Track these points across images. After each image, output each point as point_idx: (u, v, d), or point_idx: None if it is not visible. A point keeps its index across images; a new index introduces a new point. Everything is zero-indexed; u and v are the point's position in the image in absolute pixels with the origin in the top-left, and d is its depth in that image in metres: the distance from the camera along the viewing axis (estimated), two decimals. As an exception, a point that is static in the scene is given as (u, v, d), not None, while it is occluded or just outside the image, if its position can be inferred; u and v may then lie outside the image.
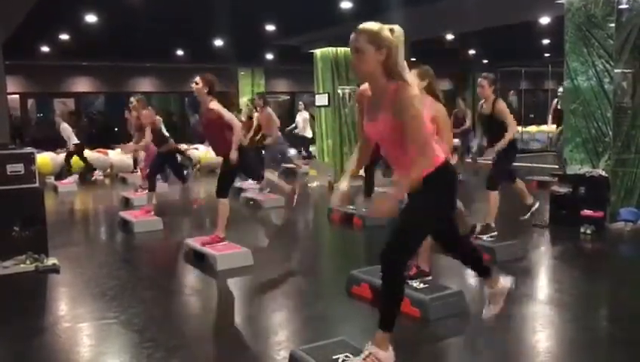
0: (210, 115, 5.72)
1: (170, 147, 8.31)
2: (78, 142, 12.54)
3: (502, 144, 5.83)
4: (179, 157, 8.96)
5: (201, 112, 5.99)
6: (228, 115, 5.71)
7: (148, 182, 8.23)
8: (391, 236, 2.92)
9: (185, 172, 9.25)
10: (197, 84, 5.71)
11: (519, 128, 17.89)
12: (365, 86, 3.02)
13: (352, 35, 2.83)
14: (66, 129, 12.38)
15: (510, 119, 5.87)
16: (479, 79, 6.03)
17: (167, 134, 8.42)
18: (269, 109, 9.77)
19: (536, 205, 6.65)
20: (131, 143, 9.49)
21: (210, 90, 5.72)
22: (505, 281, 3.45)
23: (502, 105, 5.91)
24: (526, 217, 6.61)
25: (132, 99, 8.47)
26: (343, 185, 3.10)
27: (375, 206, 2.93)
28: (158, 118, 8.31)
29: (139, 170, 11.60)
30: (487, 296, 3.47)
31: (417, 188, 2.82)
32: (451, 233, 3.29)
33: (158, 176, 8.95)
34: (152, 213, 7.85)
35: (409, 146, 2.79)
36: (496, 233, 5.86)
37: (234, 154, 5.64)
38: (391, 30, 2.82)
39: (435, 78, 4.62)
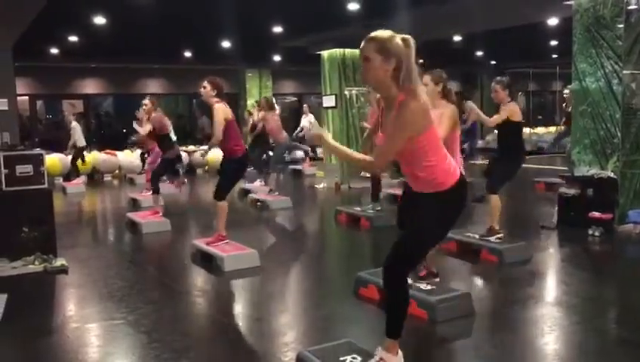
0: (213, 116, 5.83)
1: (176, 153, 8.37)
2: (83, 145, 12.62)
3: (489, 120, 5.83)
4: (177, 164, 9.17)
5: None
6: (217, 121, 5.71)
7: (152, 186, 8.23)
8: (395, 247, 2.90)
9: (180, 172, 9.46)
10: (205, 87, 5.85)
11: (527, 130, 17.81)
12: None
13: (362, 43, 2.74)
14: (76, 128, 12.46)
15: (505, 112, 5.72)
16: (492, 84, 5.92)
17: (174, 138, 8.44)
18: (274, 114, 10.00)
19: (501, 234, 5.79)
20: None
21: (217, 93, 5.83)
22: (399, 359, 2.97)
23: (512, 105, 5.77)
24: (481, 235, 5.81)
25: (146, 100, 8.44)
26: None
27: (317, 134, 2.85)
28: (168, 122, 8.31)
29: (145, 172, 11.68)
30: (375, 353, 2.99)
31: (428, 200, 2.84)
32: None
33: (165, 178, 9.00)
34: (160, 213, 7.89)
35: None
36: (502, 234, 5.85)
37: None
38: (404, 40, 2.71)
39: (448, 80, 4.79)
